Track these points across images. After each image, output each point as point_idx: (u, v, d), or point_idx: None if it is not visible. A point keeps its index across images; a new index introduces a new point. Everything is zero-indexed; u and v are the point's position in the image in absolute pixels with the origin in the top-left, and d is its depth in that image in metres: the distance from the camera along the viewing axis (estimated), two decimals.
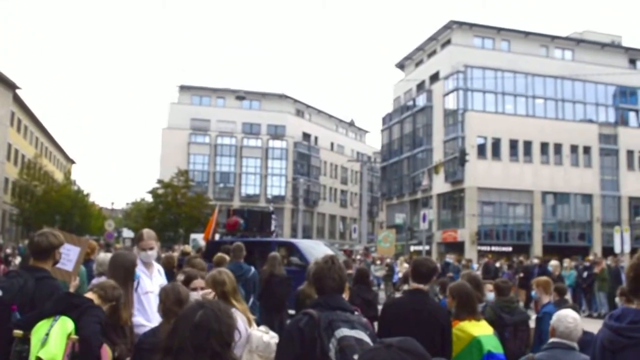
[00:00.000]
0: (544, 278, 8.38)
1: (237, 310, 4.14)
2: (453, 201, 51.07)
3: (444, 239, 50.10)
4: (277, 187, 69.91)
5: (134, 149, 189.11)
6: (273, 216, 19.40)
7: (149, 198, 55.97)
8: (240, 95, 48.72)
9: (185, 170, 57.77)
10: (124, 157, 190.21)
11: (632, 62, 56.03)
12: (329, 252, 15.46)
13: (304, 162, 72.24)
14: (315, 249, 15.20)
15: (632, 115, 54.66)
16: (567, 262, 23.21)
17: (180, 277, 5.21)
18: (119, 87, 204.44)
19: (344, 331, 3.42)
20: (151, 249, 5.66)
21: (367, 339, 3.47)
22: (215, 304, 2.62)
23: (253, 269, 10.11)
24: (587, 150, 51.13)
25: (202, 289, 4.68)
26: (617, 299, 10.16)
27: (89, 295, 4.24)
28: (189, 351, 2.31)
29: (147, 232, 5.77)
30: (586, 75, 50.56)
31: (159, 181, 53.64)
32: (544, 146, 50.02)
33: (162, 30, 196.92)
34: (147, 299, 5.21)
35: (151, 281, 5.45)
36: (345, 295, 4.60)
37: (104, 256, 5.81)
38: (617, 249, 29.22)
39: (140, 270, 5.23)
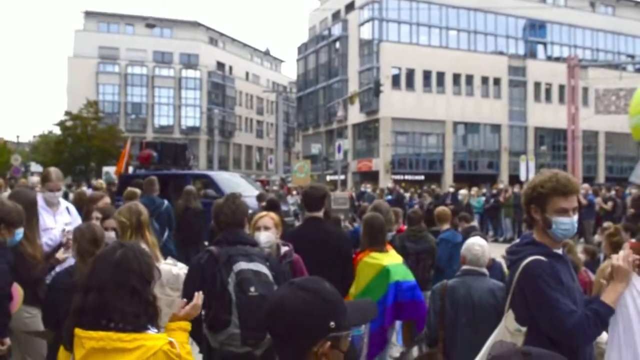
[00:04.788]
0: (440, 209, 8.77)
1: (146, 246, 4.12)
2: (368, 131, 51.71)
3: (359, 168, 50.88)
4: (192, 117, 68.47)
5: (39, 79, 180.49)
6: (187, 149, 19.11)
7: (57, 130, 53.74)
8: (151, 23, 46.80)
9: (95, 101, 55.38)
10: (29, 88, 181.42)
11: None
12: (245, 184, 15.48)
13: (219, 92, 70.77)
14: (232, 181, 15.14)
15: (540, 48, 56.16)
16: (474, 189, 24.43)
17: (97, 214, 5.13)
18: (20, 13, 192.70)
19: (241, 265, 3.58)
20: (58, 190, 5.60)
21: (265, 270, 3.65)
22: (134, 244, 2.71)
23: (166, 202, 10.00)
24: (497, 81, 52.42)
25: (114, 229, 4.59)
26: (523, 225, 10.71)
27: None
28: (110, 288, 2.40)
29: (55, 172, 5.65)
30: (498, 8, 51.27)
31: (67, 113, 51.35)
32: (456, 77, 50.93)
33: None
34: (47, 235, 5.11)
35: (54, 218, 5.35)
36: (278, 232, 4.65)
37: (3, 196, 5.61)
38: (523, 177, 30.68)
39: (40, 207, 5.12)
